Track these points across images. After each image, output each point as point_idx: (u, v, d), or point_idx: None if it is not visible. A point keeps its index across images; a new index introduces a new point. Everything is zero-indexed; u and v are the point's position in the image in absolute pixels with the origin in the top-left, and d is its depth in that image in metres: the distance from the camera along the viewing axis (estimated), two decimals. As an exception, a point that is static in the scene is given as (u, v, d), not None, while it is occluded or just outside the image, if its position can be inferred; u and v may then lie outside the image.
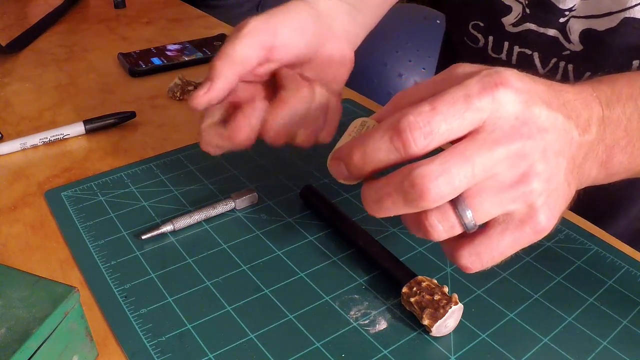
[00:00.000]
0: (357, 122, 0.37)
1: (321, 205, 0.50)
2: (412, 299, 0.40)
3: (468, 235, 0.33)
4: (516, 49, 0.61)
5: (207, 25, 0.95)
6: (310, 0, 0.48)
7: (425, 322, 0.39)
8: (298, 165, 0.57)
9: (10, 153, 0.59)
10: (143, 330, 0.39)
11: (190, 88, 0.70)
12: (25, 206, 0.52)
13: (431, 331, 0.39)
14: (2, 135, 0.62)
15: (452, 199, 0.31)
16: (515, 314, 0.41)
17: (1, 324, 0.32)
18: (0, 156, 0.59)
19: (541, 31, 0.57)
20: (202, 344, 0.39)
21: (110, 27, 0.95)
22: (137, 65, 0.77)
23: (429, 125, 0.30)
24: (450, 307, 0.38)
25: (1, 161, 0.58)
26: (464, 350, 0.39)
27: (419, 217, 0.32)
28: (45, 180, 0.55)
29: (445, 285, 0.41)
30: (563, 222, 0.49)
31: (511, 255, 0.33)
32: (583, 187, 0.37)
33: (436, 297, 0.39)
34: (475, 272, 0.34)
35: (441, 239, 0.32)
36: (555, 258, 0.46)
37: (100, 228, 0.48)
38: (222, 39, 0.86)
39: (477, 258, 0.33)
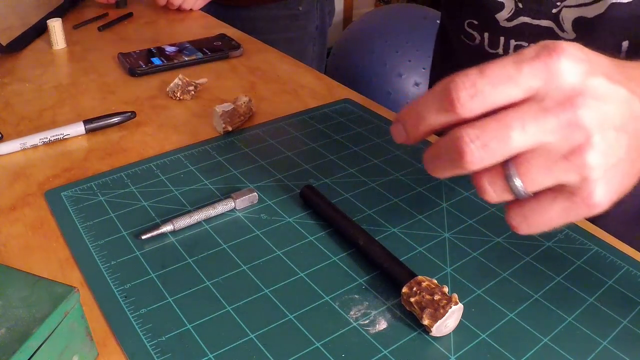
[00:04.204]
0: None
1: (321, 205, 0.50)
2: (412, 299, 0.40)
3: None
4: (512, 42, 0.62)
5: (207, 25, 0.95)
6: None
7: (425, 322, 0.39)
8: (298, 165, 0.57)
9: (10, 153, 0.59)
10: (143, 330, 0.39)
11: (190, 88, 0.70)
12: (25, 206, 0.52)
13: (431, 331, 0.39)
14: (2, 135, 0.62)
15: (504, 165, 0.31)
16: (515, 314, 0.41)
17: (1, 324, 0.32)
18: (0, 156, 0.59)
19: (535, 23, 0.59)
20: (202, 344, 0.39)
21: (110, 27, 0.95)
22: (137, 65, 0.77)
23: (475, 87, 0.30)
24: (450, 307, 0.38)
25: (1, 161, 0.58)
26: (464, 350, 0.39)
27: (474, 178, 0.33)
28: (45, 180, 0.55)
29: (445, 285, 0.41)
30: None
31: (561, 226, 0.33)
32: None
33: (436, 297, 0.39)
34: (527, 235, 0.33)
35: (494, 202, 0.33)
36: (555, 258, 0.46)
37: (100, 228, 0.48)
38: (222, 39, 0.86)
39: (524, 220, 0.33)
